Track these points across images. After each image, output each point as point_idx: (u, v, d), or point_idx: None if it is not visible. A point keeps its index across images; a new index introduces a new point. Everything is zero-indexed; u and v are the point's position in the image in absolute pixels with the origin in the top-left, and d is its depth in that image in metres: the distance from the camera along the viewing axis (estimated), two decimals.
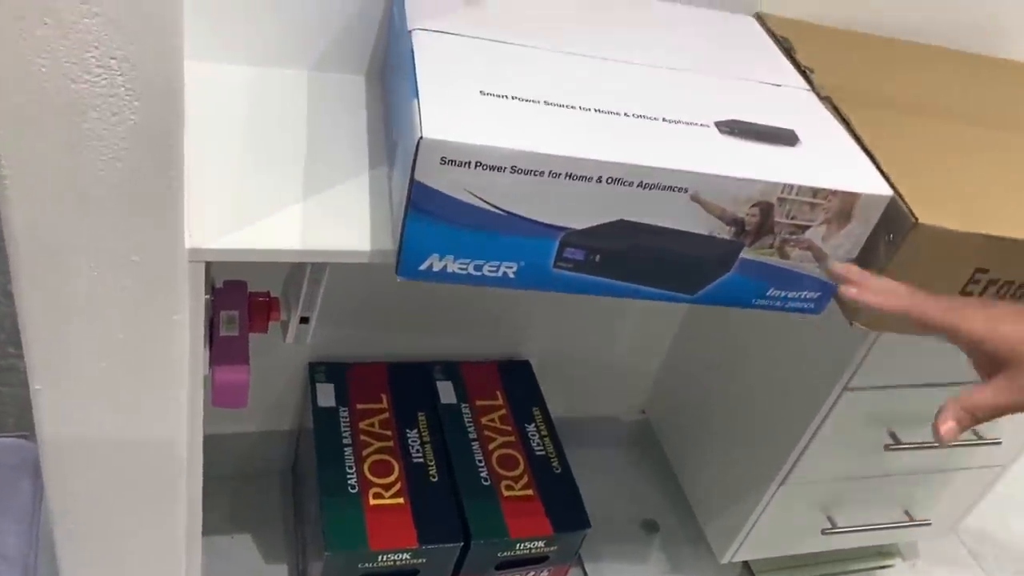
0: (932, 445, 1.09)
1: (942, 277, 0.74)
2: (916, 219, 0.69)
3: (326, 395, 1.16)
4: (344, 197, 0.74)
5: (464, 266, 0.68)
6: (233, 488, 1.26)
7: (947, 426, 0.58)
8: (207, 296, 0.75)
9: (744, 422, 1.17)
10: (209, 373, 0.79)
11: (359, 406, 1.16)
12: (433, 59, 0.70)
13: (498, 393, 1.24)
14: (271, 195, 0.72)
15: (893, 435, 1.08)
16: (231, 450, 1.25)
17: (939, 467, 1.18)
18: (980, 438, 1.11)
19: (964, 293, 0.75)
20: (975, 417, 0.57)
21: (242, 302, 0.83)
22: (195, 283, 0.67)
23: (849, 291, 0.65)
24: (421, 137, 0.60)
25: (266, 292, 0.87)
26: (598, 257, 0.70)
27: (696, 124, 0.71)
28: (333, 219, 0.72)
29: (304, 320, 0.87)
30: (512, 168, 0.63)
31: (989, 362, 0.58)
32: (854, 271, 0.67)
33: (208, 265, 0.68)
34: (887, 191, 0.71)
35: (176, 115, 0.55)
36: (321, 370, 1.18)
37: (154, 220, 0.59)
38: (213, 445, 0.84)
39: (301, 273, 0.84)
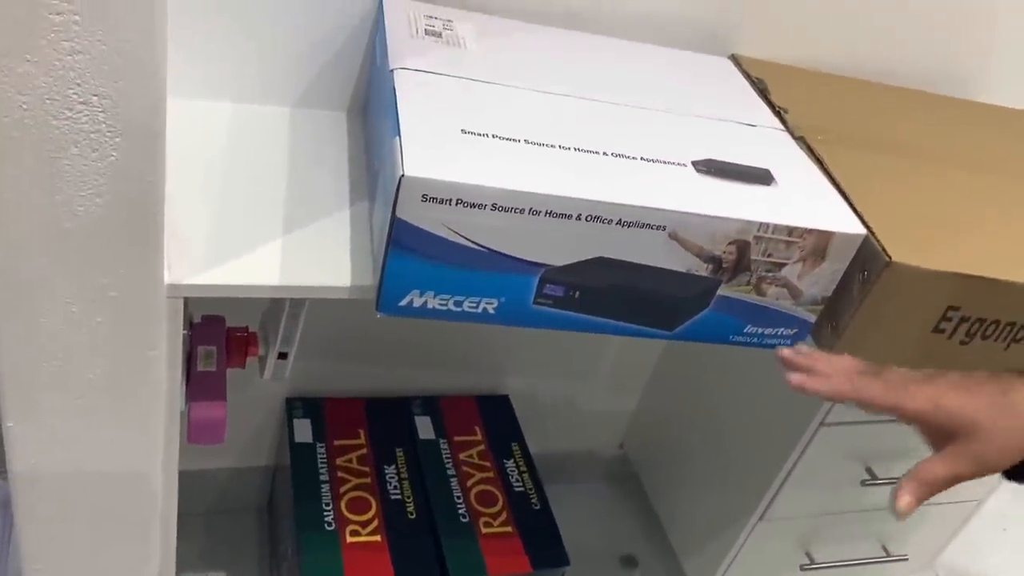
0: None
1: (915, 314, 0.75)
2: (889, 258, 0.71)
3: (303, 431, 1.15)
4: (324, 233, 0.74)
5: (444, 302, 0.68)
6: (208, 524, 1.24)
7: (904, 501, 0.57)
8: (185, 331, 0.75)
9: (722, 457, 1.17)
10: (185, 409, 0.78)
11: (336, 442, 1.15)
12: (415, 97, 0.71)
13: (477, 428, 1.23)
14: (251, 231, 0.72)
15: (869, 470, 1.09)
16: (206, 486, 1.23)
17: None
18: None
19: (936, 330, 0.76)
20: (931, 489, 0.57)
21: (220, 337, 0.82)
22: (173, 319, 0.67)
23: (794, 378, 0.64)
24: (403, 175, 0.61)
25: (244, 327, 0.87)
26: (577, 293, 0.70)
27: (674, 163, 0.72)
28: (313, 254, 0.72)
29: (282, 356, 0.87)
30: (493, 206, 0.63)
31: (937, 434, 0.59)
32: (802, 355, 0.65)
33: (186, 300, 0.68)
34: (861, 230, 0.72)
35: (157, 152, 0.56)
36: (298, 405, 1.18)
37: (133, 256, 0.59)
38: (188, 481, 0.83)
39: (280, 308, 0.83)
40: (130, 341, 0.64)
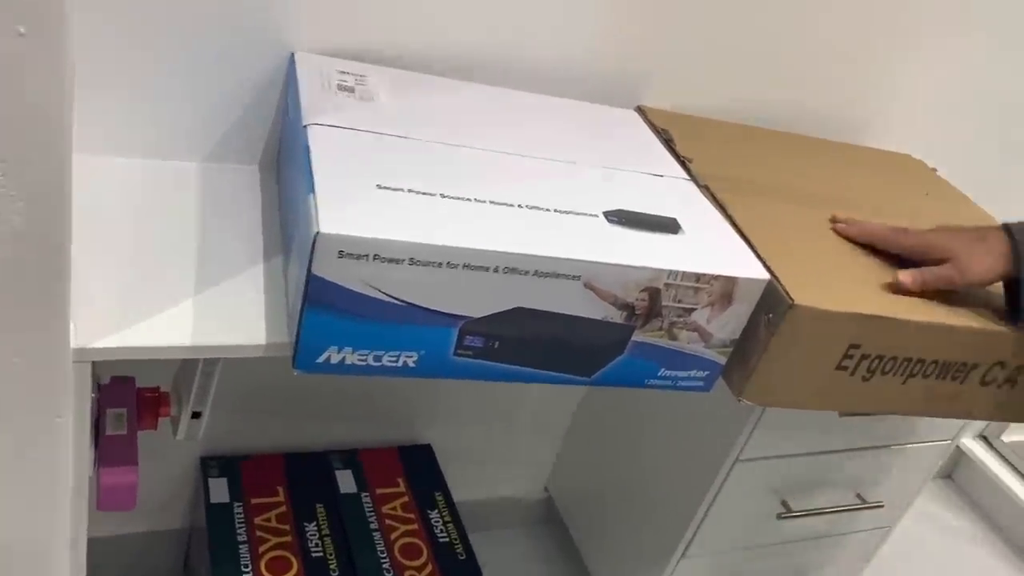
0: (822, 512, 1.13)
1: (819, 353, 0.78)
2: (792, 300, 0.74)
3: (219, 491, 1.12)
4: (238, 289, 0.73)
5: (364, 357, 0.68)
6: None
7: (906, 277, 0.82)
8: (93, 394, 0.72)
9: (643, 497, 1.19)
10: (95, 475, 0.75)
11: (255, 500, 1.12)
12: (329, 153, 0.71)
13: (399, 480, 1.22)
14: (162, 289, 0.71)
15: (784, 503, 1.12)
16: (119, 553, 1.18)
17: (829, 532, 1.22)
18: (864, 502, 1.16)
19: (840, 368, 0.80)
20: (927, 281, 0.82)
21: (130, 399, 0.80)
22: (80, 383, 0.65)
23: (840, 227, 0.90)
24: (318, 232, 0.61)
25: (156, 387, 0.84)
26: (497, 344, 0.71)
27: (586, 214, 0.74)
28: (227, 312, 0.71)
29: (196, 415, 0.85)
30: (411, 260, 0.64)
31: (933, 261, 0.83)
32: (851, 223, 0.91)
33: (94, 363, 0.66)
34: (764, 275, 0.75)
35: (62, 215, 0.54)
36: (214, 465, 1.14)
37: (38, 321, 0.57)
38: (99, 548, 0.80)
39: (193, 367, 0.82)
40: (35, 409, 0.61)
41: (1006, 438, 1.85)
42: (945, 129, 1.26)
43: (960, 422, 1.15)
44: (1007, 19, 1.18)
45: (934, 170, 1.18)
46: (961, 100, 1.24)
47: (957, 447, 1.84)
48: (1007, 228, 0.82)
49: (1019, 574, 1.72)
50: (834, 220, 0.91)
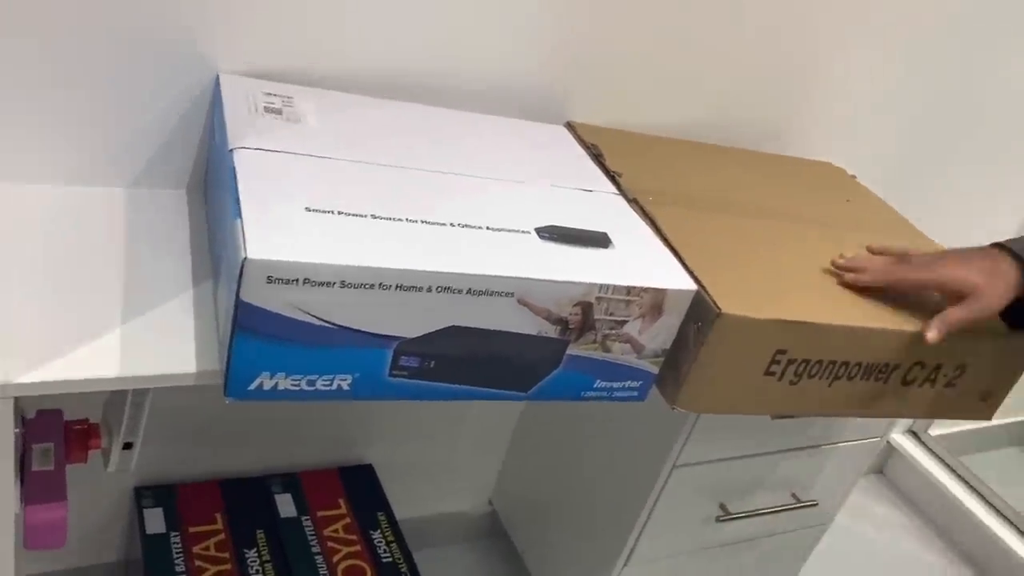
0: (759, 513, 1.16)
1: (747, 359, 0.81)
2: (719, 309, 0.76)
3: (155, 521, 1.09)
4: (167, 317, 0.72)
5: (297, 382, 0.67)
6: None
7: (932, 333, 0.81)
8: (17, 430, 0.70)
9: (586, 507, 1.20)
10: (21, 512, 0.73)
11: (192, 529, 1.09)
12: (256, 177, 0.70)
13: (341, 501, 1.21)
14: (87, 320, 0.69)
15: (723, 506, 1.14)
16: None
17: (767, 532, 1.25)
18: (799, 502, 1.19)
19: (768, 373, 0.82)
20: (952, 327, 0.81)
21: (57, 433, 0.78)
22: (2, 420, 0.63)
23: (848, 277, 0.87)
24: (246, 258, 0.60)
25: (84, 419, 0.82)
26: (433, 363, 0.71)
27: (518, 231, 0.75)
28: (155, 341, 0.69)
29: (127, 446, 0.83)
30: (341, 283, 0.64)
31: (952, 293, 0.83)
32: (850, 260, 0.89)
33: (16, 398, 0.64)
34: (692, 286, 0.77)
35: None
36: (149, 495, 1.12)
37: None
38: None
39: (123, 397, 0.80)
40: None
41: (933, 432, 1.91)
42: (862, 137, 1.31)
43: (889, 419, 1.19)
44: (915, 31, 1.23)
45: (853, 177, 1.22)
46: (876, 109, 1.29)
47: (888, 442, 1.91)
48: (1010, 251, 0.83)
49: (949, 563, 1.78)
50: (836, 266, 0.89)
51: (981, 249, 0.85)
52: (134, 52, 0.81)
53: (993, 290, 0.81)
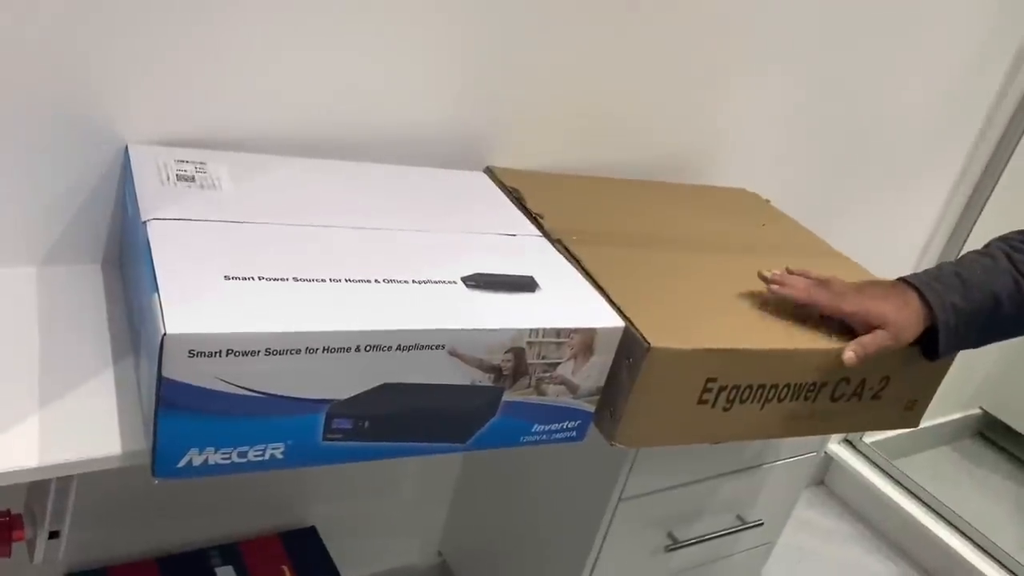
0: (707, 538, 1.17)
1: (680, 390, 0.82)
2: (649, 344, 0.77)
3: None
4: (87, 399, 0.70)
5: (227, 456, 0.65)
6: None
7: (848, 356, 0.86)
8: None
9: (536, 547, 1.19)
10: None
11: None
12: (171, 248, 0.69)
13: (285, 568, 1.17)
14: (2, 408, 0.66)
15: (671, 535, 1.15)
16: None
17: (717, 556, 1.26)
18: (744, 523, 1.21)
19: (701, 402, 0.83)
20: (868, 352, 0.87)
21: None
22: None
23: (773, 287, 0.90)
24: (164, 333, 0.59)
25: (6, 511, 0.78)
26: (367, 423, 0.70)
27: (444, 282, 0.75)
28: (76, 424, 0.67)
29: (54, 535, 0.79)
30: (266, 351, 0.63)
31: (863, 324, 0.88)
32: (777, 274, 0.92)
33: None
34: (620, 323, 0.78)
35: None
36: None
37: None
38: None
39: (46, 484, 0.76)
40: None
41: (867, 439, 1.96)
42: (771, 162, 1.35)
43: None
44: (810, 54, 1.28)
45: (767, 201, 1.26)
46: (781, 134, 1.33)
47: (825, 453, 1.95)
48: (914, 287, 0.89)
49: (893, 565, 1.82)
50: (762, 278, 0.92)
51: (892, 284, 0.92)
52: (37, 126, 0.79)
53: (906, 322, 0.88)
